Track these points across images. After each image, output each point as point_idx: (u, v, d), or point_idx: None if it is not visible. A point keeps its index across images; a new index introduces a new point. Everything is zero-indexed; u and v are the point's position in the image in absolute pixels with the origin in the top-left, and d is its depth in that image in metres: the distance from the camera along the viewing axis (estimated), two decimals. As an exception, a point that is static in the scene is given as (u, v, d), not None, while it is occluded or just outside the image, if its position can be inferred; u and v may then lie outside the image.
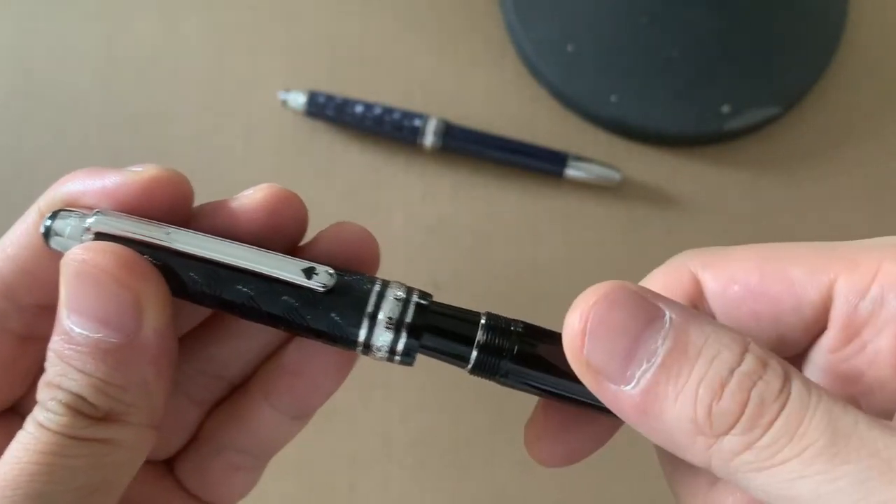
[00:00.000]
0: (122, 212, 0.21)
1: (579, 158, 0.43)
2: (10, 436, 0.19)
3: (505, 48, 0.46)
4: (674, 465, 0.21)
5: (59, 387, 0.19)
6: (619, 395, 0.18)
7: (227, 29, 0.46)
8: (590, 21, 0.45)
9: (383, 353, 0.21)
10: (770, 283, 0.20)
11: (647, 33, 0.44)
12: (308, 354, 0.23)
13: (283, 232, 0.22)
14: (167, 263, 0.20)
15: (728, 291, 0.20)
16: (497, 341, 0.20)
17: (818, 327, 0.20)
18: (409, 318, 0.20)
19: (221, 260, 0.20)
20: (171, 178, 0.22)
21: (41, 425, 0.19)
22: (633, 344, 0.17)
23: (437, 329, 0.20)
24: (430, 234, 0.43)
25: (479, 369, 0.21)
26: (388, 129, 0.43)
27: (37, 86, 0.45)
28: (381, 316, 0.20)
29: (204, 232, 0.21)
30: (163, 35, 0.45)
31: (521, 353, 0.20)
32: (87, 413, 0.19)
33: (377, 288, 0.21)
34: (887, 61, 0.46)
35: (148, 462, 0.24)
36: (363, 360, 0.42)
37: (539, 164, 0.43)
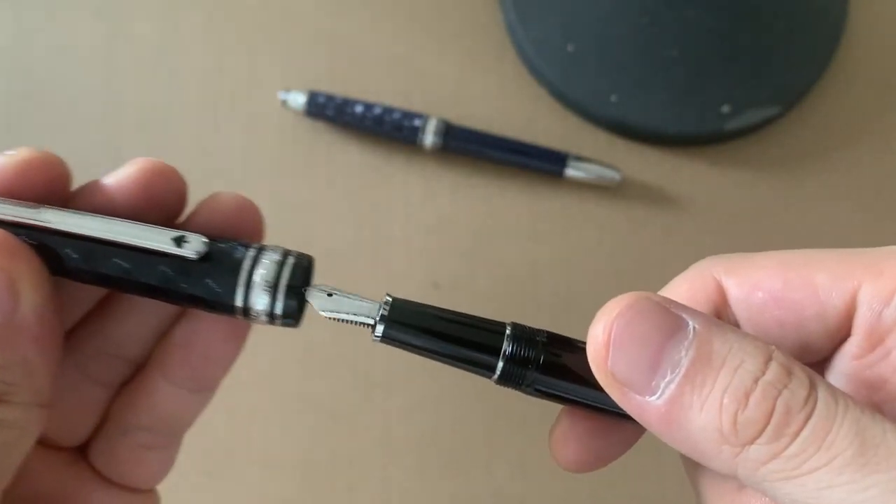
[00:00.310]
0: None
1: (579, 158, 0.43)
2: None
3: (505, 48, 0.46)
4: (699, 470, 0.21)
5: None
6: (644, 405, 0.18)
7: (227, 29, 0.46)
8: (590, 21, 0.45)
9: (263, 317, 0.21)
10: (794, 290, 0.20)
11: (647, 33, 0.44)
12: (196, 326, 0.23)
13: (160, 205, 0.22)
14: (43, 242, 0.21)
15: (752, 298, 0.21)
16: (523, 352, 0.20)
17: (842, 334, 0.20)
18: (285, 280, 0.21)
19: (94, 235, 0.21)
20: (45, 159, 0.22)
21: None
22: (656, 354, 0.18)
23: (463, 340, 0.21)
24: (430, 234, 0.43)
25: (505, 380, 0.21)
26: (388, 129, 0.43)
27: (37, 86, 0.45)
28: (256, 279, 0.20)
29: (81, 210, 0.22)
30: (163, 35, 0.45)
31: (547, 364, 0.20)
32: None
33: (251, 252, 0.21)
34: (887, 61, 0.46)
35: (59, 449, 0.24)
36: (363, 361, 0.42)
37: (539, 164, 0.43)
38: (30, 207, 0.21)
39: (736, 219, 0.43)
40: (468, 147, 0.43)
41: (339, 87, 0.44)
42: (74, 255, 0.21)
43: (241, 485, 0.39)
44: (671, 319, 0.18)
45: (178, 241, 0.21)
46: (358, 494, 0.39)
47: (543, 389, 0.21)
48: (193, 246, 0.21)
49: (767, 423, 0.17)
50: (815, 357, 0.21)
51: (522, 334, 0.21)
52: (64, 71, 0.45)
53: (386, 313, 0.21)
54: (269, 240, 0.43)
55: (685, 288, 0.22)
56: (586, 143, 0.44)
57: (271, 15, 0.46)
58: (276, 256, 0.21)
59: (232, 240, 0.22)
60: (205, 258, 0.21)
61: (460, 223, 0.43)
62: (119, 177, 0.22)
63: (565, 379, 0.21)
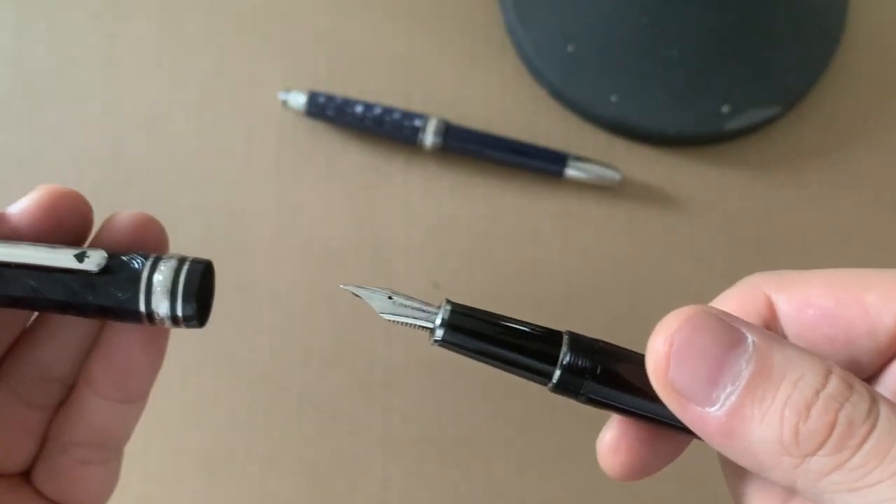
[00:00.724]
0: None
1: (579, 158, 0.43)
2: None
3: (505, 48, 0.46)
4: (745, 481, 0.22)
5: None
6: (704, 416, 0.18)
7: (227, 29, 0.46)
8: (590, 21, 0.45)
9: (168, 321, 0.22)
10: (845, 308, 0.20)
11: (647, 33, 0.44)
12: (114, 338, 0.24)
13: (65, 228, 0.23)
14: None
15: (802, 315, 0.21)
16: (580, 362, 0.21)
17: (891, 352, 0.21)
18: (182, 283, 0.22)
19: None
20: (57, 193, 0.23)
21: None
22: (717, 367, 0.18)
23: (521, 348, 0.21)
24: (430, 234, 0.43)
25: (561, 388, 0.21)
26: (388, 129, 0.43)
27: (37, 86, 0.45)
28: (155, 284, 0.22)
29: None
30: (163, 35, 0.45)
31: (604, 373, 0.21)
32: None
33: (150, 261, 0.22)
34: (887, 61, 0.46)
35: (2, 476, 0.25)
36: (363, 361, 0.42)
37: (539, 164, 0.43)
38: None
39: (736, 219, 0.43)
40: (468, 147, 0.43)
41: (339, 87, 0.44)
42: None
43: (241, 485, 0.39)
44: (730, 332, 0.18)
45: (80, 257, 0.22)
46: (358, 494, 0.39)
47: (598, 399, 0.21)
48: (94, 260, 0.22)
49: (829, 435, 0.17)
50: (864, 374, 0.21)
51: (580, 344, 0.21)
52: (64, 71, 0.45)
53: (447, 318, 0.21)
54: (269, 239, 0.44)
55: (734, 303, 0.22)
56: (586, 143, 0.44)
57: (271, 15, 0.46)
58: (173, 263, 0.22)
59: (132, 252, 0.23)
60: (106, 270, 0.22)
61: (460, 223, 0.43)
62: (23, 204, 0.23)
63: (620, 389, 0.21)
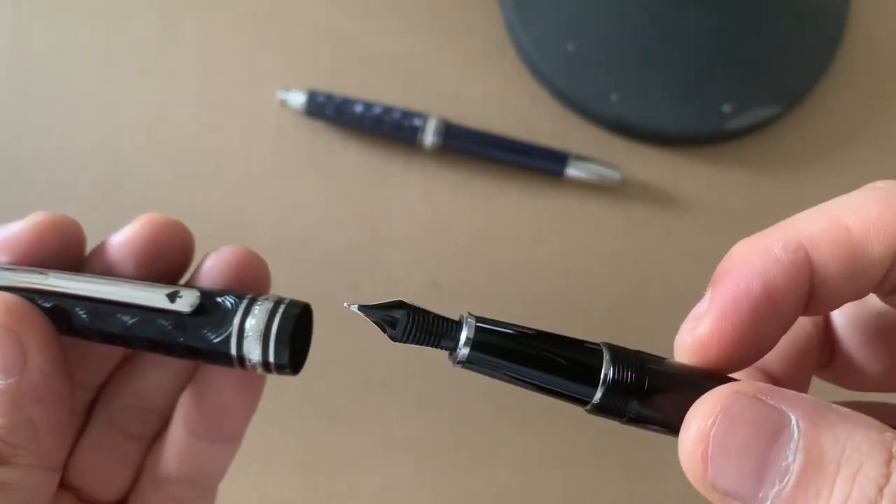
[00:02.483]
0: (12, 261, 0.22)
1: (579, 158, 0.43)
2: None
3: (505, 48, 0.46)
4: None
5: None
6: None
7: (227, 29, 0.45)
8: (590, 21, 0.45)
9: (259, 367, 0.21)
10: None
11: (647, 33, 0.44)
12: (209, 378, 0.24)
13: (166, 259, 0.23)
14: (55, 305, 0.22)
15: None
16: (625, 377, 0.18)
17: None
18: (275, 328, 0.21)
19: (95, 296, 0.22)
20: (59, 223, 0.23)
21: None
22: (762, 462, 0.16)
23: (555, 366, 0.19)
24: (430, 234, 0.42)
25: (602, 410, 0.19)
26: (388, 129, 0.43)
27: (37, 86, 0.44)
28: (247, 329, 0.21)
29: (94, 272, 0.23)
30: (163, 35, 0.45)
31: (650, 392, 0.18)
32: None
33: (244, 302, 0.21)
34: (887, 61, 0.46)
35: None
36: (363, 360, 0.42)
37: (539, 163, 0.43)
38: (38, 273, 0.22)
39: (736, 219, 0.43)
40: (468, 147, 0.43)
41: (339, 86, 0.44)
42: (81, 316, 0.22)
43: (241, 485, 0.39)
44: (772, 417, 0.16)
45: (172, 297, 0.21)
46: (358, 494, 0.39)
47: (644, 418, 0.19)
48: (187, 300, 0.21)
49: None
50: None
51: (622, 358, 0.19)
52: (64, 71, 0.45)
53: (471, 335, 0.18)
54: (269, 239, 0.44)
55: (873, 214, 0.19)
56: (586, 143, 0.44)
57: (271, 15, 0.46)
58: (268, 305, 0.21)
59: (228, 291, 0.22)
60: (199, 311, 0.21)
61: (460, 223, 0.43)
62: (125, 235, 0.23)
63: (670, 408, 0.18)
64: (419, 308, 0.19)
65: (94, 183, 0.43)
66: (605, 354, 0.18)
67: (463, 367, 0.19)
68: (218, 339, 0.21)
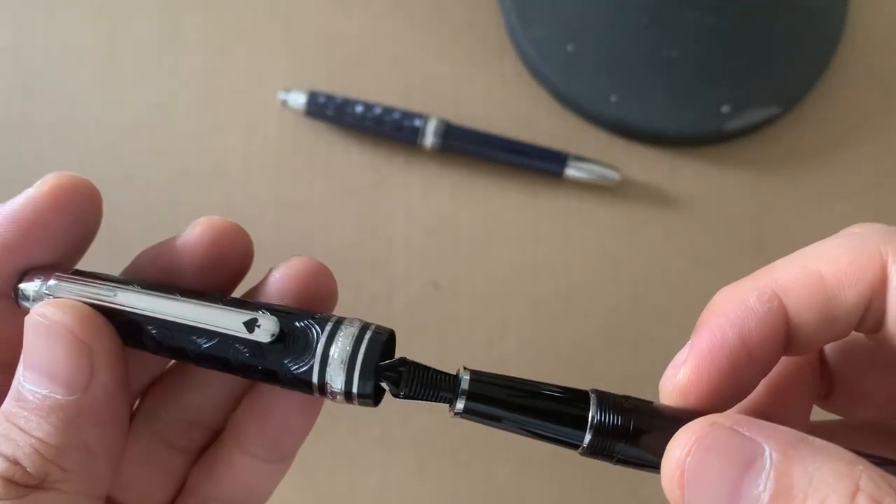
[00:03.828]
0: (72, 273, 0.21)
1: (579, 158, 0.43)
2: None
3: (505, 48, 0.46)
4: None
5: None
6: None
7: (227, 28, 0.46)
8: (590, 21, 0.45)
9: (339, 396, 0.20)
10: None
11: (647, 33, 0.44)
12: (272, 397, 0.23)
13: (226, 263, 0.22)
14: (125, 319, 0.21)
15: None
16: (611, 421, 0.19)
17: None
18: (361, 358, 0.20)
19: (166, 318, 0.21)
20: (73, 182, 0.22)
21: None
22: (734, 491, 0.17)
23: (546, 412, 0.20)
24: (430, 234, 0.43)
25: (593, 452, 0.20)
26: (388, 129, 0.43)
27: (37, 86, 0.45)
28: (331, 356, 0.20)
29: (151, 276, 0.22)
30: (163, 35, 0.45)
31: (635, 434, 0.19)
32: (19, 481, 0.19)
33: (328, 328, 0.20)
34: (887, 61, 0.46)
35: None
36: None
37: (539, 164, 0.43)
38: (108, 289, 0.21)
39: (736, 219, 0.43)
40: (468, 147, 0.43)
41: (339, 87, 0.44)
42: (152, 333, 0.21)
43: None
44: (746, 447, 0.17)
45: (250, 326, 0.20)
46: (358, 494, 0.39)
47: (632, 460, 0.20)
48: (266, 329, 0.20)
49: None
50: None
51: (608, 402, 0.20)
52: (64, 71, 0.45)
53: (467, 388, 0.20)
54: (268, 239, 0.44)
55: (846, 261, 0.20)
56: (586, 143, 0.44)
57: (271, 15, 0.46)
58: (354, 331, 0.20)
59: (306, 312, 0.21)
60: (278, 339, 0.20)
61: (460, 223, 0.43)
62: (185, 237, 0.22)
63: (655, 448, 0.19)
64: (420, 364, 0.20)
65: (93, 182, 0.43)
66: (592, 400, 0.20)
67: (461, 417, 0.20)
68: (300, 370, 0.20)
